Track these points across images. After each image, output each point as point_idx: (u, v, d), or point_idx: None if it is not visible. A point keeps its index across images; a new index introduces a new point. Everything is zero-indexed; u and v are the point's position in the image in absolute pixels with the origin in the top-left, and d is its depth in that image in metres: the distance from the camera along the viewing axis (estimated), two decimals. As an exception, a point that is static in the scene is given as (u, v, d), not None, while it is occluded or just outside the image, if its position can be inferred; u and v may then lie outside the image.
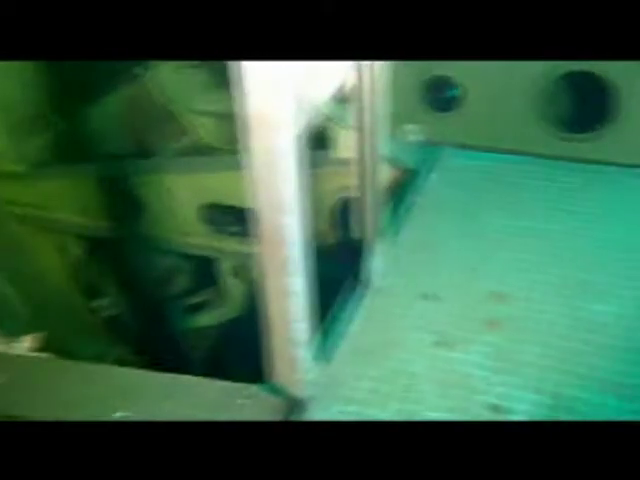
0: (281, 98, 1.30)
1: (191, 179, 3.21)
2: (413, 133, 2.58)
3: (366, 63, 1.76)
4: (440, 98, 3.43)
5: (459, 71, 3.28)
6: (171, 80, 3.84)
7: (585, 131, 3.20)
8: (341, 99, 1.94)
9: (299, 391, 1.79)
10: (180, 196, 3.25)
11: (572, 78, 3.18)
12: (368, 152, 1.92)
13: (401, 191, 2.36)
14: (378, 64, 1.79)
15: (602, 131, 3.13)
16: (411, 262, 2.07)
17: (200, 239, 3.29)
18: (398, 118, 3.32)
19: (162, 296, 3.68)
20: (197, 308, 3.67)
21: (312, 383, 1.81)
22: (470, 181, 2.37)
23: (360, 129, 1.89)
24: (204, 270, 3.58)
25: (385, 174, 2.52)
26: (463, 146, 3.12)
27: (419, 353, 1.88)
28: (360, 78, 1.77)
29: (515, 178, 2.38)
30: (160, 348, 3.59)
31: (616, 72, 3.00)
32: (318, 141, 2.78)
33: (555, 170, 2.46)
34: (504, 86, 3.24)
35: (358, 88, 1.81)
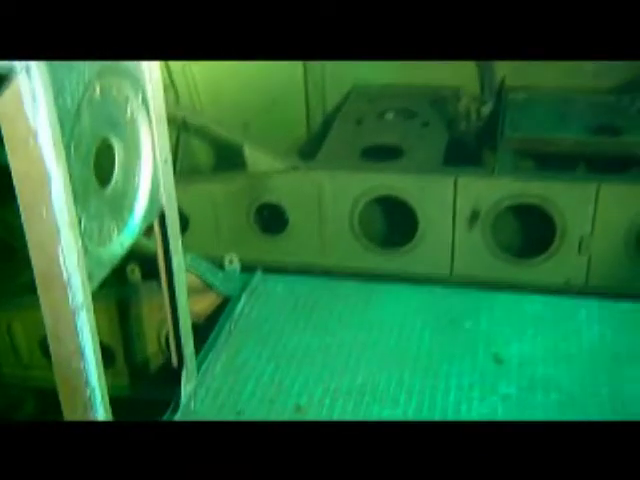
0: (68, 258, 1.51)
1: (32, 313, 3.31)
2: (234, 260, 2.85)
3: (164, 197, 1.96)
4: (269, 224, 3.78)
5: (285, 198, 3.66)
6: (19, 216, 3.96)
7: (397, 247, 3.64)
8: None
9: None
10: (21, 331, 3.34)
11: (382, 202, 3.64)
12: (175, 280, 2.15)
13: (217, 317, 2.59)
14: (174, 200, 2.02)
15: (407, 247, 3.57)
16: (221, 384, 2.28)
17: (43, 372, 3.35)
18: (228, 245, 3.65)
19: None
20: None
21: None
22: (282, 304, 2.65)
23: (164, 260, 2.11)
24: (49, 402, 3.61)
25: (203, 301, 2.77)
26: (288, 269, 3.45)
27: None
28: (162, 217, 2.00)
29: (325, 298, 2.67)
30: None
31: (415, 196, 3.46)
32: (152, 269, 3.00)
33: (363, 288, 2.78)
34: (325, 211, 3.64)
35: (159, 227, 2.03)
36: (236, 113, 4.21)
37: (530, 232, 3.58)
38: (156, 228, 2.00)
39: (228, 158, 3.92)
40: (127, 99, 1.70)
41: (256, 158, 3.62)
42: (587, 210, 3.24)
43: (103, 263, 1.64)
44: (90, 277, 1.56)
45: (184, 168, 4.03)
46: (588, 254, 3.30)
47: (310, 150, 4.04)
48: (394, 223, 3.78)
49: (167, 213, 1.95)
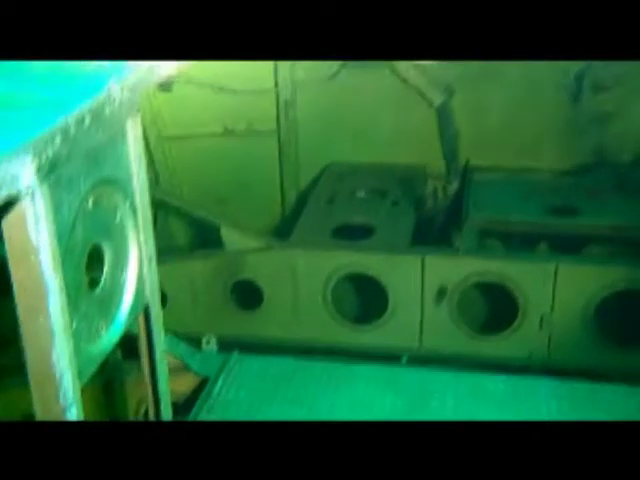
0: (61, 359, 1.62)
1: (12, 393, 3.37)
2: (211, 341, 2.98)
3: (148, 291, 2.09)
4: (245, 301, 3.90)
5: (261, 275, 3.80)
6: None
7: (368, 322, 3.78)
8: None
9: None
10: (1, 410, 3.39)
11: (354, 279, 3.79)
12: (157, 369, 2.26)
13: (196, 397, 2.70)
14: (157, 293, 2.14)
15: (378, 322, 3.72)
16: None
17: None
18: (205, 321, 3.77)
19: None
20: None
21: None
22: (258, 384, 2.77)
23: (147, 350, 2.22)
24: None
25: (183, 382, 2.88)
26: (264, 343, 3.57)
27: None
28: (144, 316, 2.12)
29: (298, 378, 2.81)
30: None
31: (385, 274, 3.63)
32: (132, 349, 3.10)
33: (334, 367, 2.91)
34: (299, 288, 3.78)
35: (143, 319, 2.15)
36: (213, 191, 4.39)
37: (495, 308, 3.75)
38: (140, 320, 2.13)
39: (205, 237, 4.07)
40: (116, 206, 1.85)
41: (232, 237, 3.77)
42: (546, 288, 3.42)
43: (92, 360, 1.76)
44: (80, 375, 1.67)
45: (162, 246, 4.17)
46: (549, 330, 3.47)
47: (285, 228, 4.20)
48: (366, 298, 3.93)
49: (151, 307, 2.07)
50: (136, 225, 1.96)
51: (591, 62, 3.89)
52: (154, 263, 2.07)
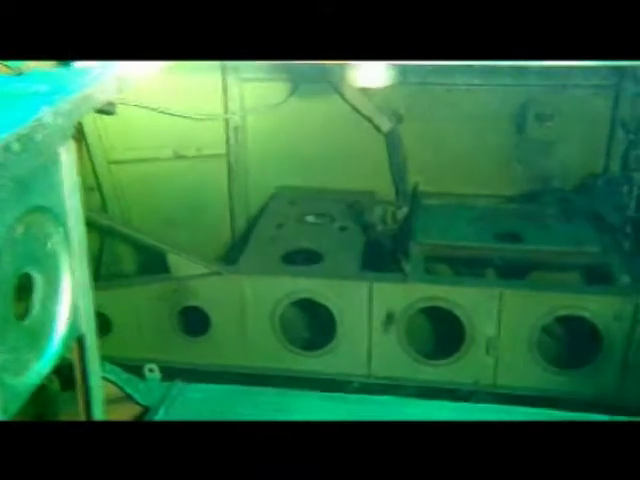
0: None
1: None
2: (154, 370, 2.92)
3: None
4: (192, 327, 3.85)
5: (208, 301, 3.75)
6: None
7: (317, 349, 3.76)
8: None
9: None
10: None
11: (303, 304, 3.77)
12: (92, 400, 2.20)
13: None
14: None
15: (327, 348, 3.69)
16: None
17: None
18: (151, 347, 3.71)
19: None
20: None
21: None
22: (200, 414, 2.71)
23: (82, 380, 2.17)
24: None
25: (122, 411, 2.81)
26: (213, 372, 3.53)
27: None
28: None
29: (242, 407, 2.76)
30: None
31: (333, 300, 3.61)
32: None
33: (279, 396, 2.87)
34: (247, 314, 3.74)
35: (77, 349, 2.10)
36: (162, 215, 4.33)
37: (443, 333, 3.76)
38: (75, 349, 2.07)
39: (153, 262, 4.00)
40: (48, 234, 1.80)
41: (179, 263, 3.72)
42: (492, 314, 3.45)
43: (19, 395, 1.69)
44: (5, 411, 1.61)
45: (108, 272, 4.10)
46: (495, 356, 3.49)
47: (234, 253, 4.17)
48: (316, 323, 3.91)
49: (86, 337, 2.02)
50: (70, 253, 1.91)
51: (534, 93, 3.98)
52: (89, 292, 2.02)
